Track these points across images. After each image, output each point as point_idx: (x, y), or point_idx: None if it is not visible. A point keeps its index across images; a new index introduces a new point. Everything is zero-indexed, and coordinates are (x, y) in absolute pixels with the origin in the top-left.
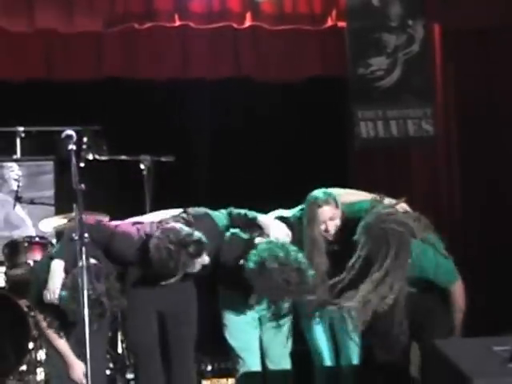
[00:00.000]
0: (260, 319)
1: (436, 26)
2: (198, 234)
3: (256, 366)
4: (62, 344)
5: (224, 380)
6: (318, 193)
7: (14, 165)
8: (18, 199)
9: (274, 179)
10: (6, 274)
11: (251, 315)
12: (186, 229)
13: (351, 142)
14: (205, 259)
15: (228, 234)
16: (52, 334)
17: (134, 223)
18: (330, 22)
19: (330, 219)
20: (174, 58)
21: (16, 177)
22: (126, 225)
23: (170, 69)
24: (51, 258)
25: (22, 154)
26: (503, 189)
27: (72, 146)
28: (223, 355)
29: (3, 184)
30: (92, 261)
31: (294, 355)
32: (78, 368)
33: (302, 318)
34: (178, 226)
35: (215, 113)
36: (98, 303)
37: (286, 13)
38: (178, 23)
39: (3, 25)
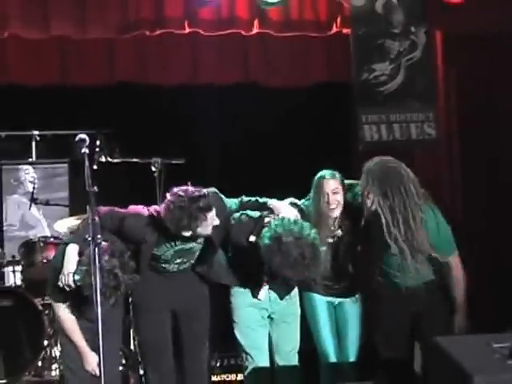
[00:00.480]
0: (270, 317)
1: (437, 32)
2: (204, 190)
3: (264, 363)
4: (77, 335)
5: (233, 376)
6: (326, 171)
7: (29, 167)
8: (33, 200)
9: (280, 181)
10: (22, 272)
11: (261, 313)
12: (193, 188)
13: (355, 145)
14: (215, 217)
15: (238, 214)
16: (68, 326)
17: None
18: (335, 29)
19: (332, 192)
20: (183, 63)
21: (32, 179)
22: (136, 207)
23: (179, 74)
24: (66, 245)
25: (38, 156)
26: (504, 191)
27: (85, 149)
28: (232, 351)
29: (19, 186)
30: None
31: (301, 353)
32: (92, 359)
33: (308, 315)
34: (186, 187)
35: (224, 117)
36: (112, 275)
37: (292, 20)
38: (187, 30)
39: (20, 32)
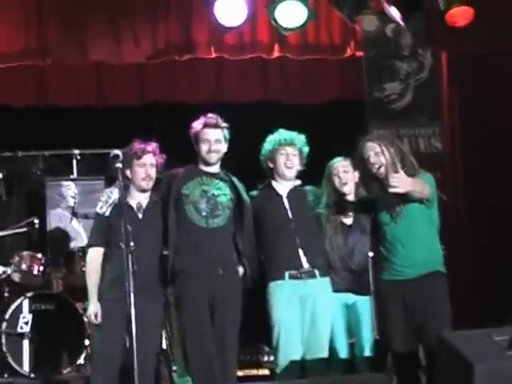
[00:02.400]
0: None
1: (443, 53)
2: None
3: (295, 344)
4: (93, 280)
5: (255, 371)
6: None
7: (70, 183)
8: (74, 214)
9: None
10: (63, 279)
11: (295, 310)
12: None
13: None
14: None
15: None
16: (91, 267)
17: None
18: (349, 52)
19: (343, 171)
20: (210, 86)
21: (73, 194)
22: None
23: (206, 95)
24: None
25: (78, 173)
26: (505, 199)
27: (118, 165)
28: (255, 347)
29: (62, 201)
30: None
31: None
32: (93, 308)
33: None
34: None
35: (247, 132)
36: None
37: (309, 44)
38: (213, 55)
39: (59, 58)
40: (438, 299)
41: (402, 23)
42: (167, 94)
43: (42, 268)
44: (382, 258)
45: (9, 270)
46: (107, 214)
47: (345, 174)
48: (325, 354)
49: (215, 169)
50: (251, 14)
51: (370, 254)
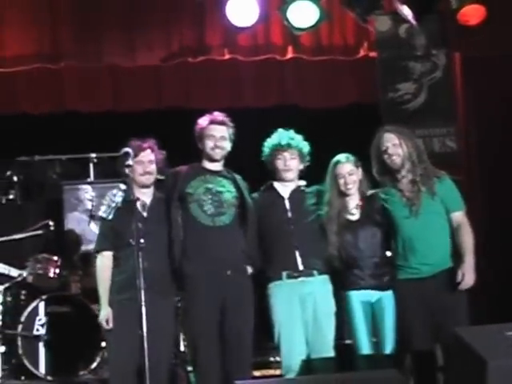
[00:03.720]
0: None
1: (457, 54)
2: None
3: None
4: (103, 287)
5: (272, 371)
6: (340, 155)
7: (88, 187)
8: (92, 217)
9: None
10: (80, 282)
11: (297, 309)
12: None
13: None
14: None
15: None
16: (101, 275)
17: None
18: (362, 53)
19: (348, 174)
20: (225, 87)
21: (90, 197)
22: None
23: (221, 98)
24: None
25: (95, 177)
26: None
27: (129, 162)
28: (271, 347)
29: (79, 204)
30: None
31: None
32: (104, 314)
33: (346, 312)
34: None
35: (263, 137)
36: None
37: (322, 45)
38: (227, 56)
39: (75, 63)
40: (455, 297)
41: (414, 23)
42: (183, 97)
43: (57, 270)
44: (398, 256)
45: (25, 273)
46: (111, 216)
47: (350, 177)
48: (330, 352)
49: (218, 166)
50: (264, 16)
51: (388, 253)
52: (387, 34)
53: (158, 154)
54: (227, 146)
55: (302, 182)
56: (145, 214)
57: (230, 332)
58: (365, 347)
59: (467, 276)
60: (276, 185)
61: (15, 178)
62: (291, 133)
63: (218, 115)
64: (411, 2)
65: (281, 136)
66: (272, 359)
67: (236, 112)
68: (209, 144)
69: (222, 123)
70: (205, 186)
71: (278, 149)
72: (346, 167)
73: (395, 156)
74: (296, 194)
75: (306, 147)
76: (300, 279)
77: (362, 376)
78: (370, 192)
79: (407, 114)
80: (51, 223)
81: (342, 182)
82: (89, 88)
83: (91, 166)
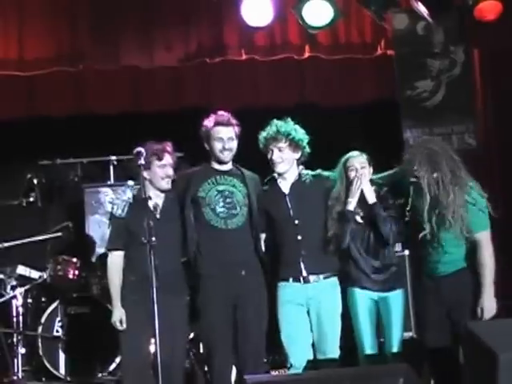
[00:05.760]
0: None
1: (475, 50)
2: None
3: (303, 360)
4: (115, 287)
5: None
6: (352, 152)
7: (108, 189)
8: None
9: None
10: (99, 284)
11: (299, 309)
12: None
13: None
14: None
15: None
16: (111, 273)
17: None
18: (380, 51)
19: (361, 167)
20: (243, 87)
21: (110, 200)
22: None
23: (240, 98)
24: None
25: (115, 179)
26: None
27: (141, 161)
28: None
29: (100, 207)
30: None
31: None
32: (117, 315)
33: (350, 309)
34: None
35: None
36: None
37: (340, 43)
38: (244, 57)
39: (94, 65)
40: (471, 295)
41: (430, 20)
42: (201, 97)
43: (77, 272)
44: (420, 254)
45: (45, 275)
46: (123, 214)
47: (362, 170)
48: (335, 354)
49: (228, 166)
50: (281, 16)
51: (406, 252)
52: (405, 32)
53: (174, 157)
54: (235, 146)
55: (300, 168)
56: (157, 215)
57: (244, 330)
58: (368, 346)
59: (486, 309)
60: (277, 179)
61: (36, 181)
62: (281, 122)
63: (224, 115)
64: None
65: (270, 127)
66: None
67: (254, 111)
68: (217, 146)
69: (228, 124)
70: (216, 188)
71: (268, 140)
72: (359, 160)
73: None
74: (297, 187)
75: (299, 135)
76: (305, 283)
77: (373, 370)
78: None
79: (426, 112)
80: (71, 225)
81: (352, 174)
82: (108, 90)
83: (111, 168)
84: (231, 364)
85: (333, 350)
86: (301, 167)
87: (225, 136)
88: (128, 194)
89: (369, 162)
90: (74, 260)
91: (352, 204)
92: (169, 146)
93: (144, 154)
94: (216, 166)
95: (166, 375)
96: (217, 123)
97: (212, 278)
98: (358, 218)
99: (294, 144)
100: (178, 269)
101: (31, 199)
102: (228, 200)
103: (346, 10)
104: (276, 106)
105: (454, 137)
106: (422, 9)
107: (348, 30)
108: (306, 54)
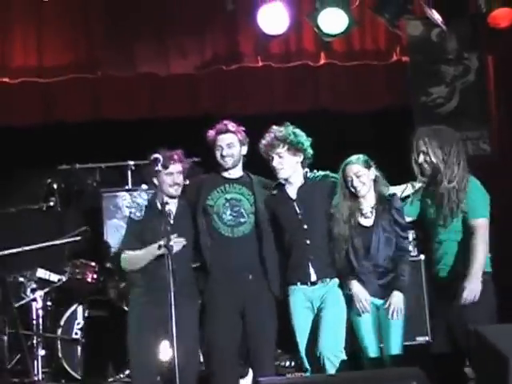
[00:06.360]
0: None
1: (489, 57)
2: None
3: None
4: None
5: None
6: (352, 156)
7: (126, 194)
8: None
9: None
10: (117, 287)
11: (306, 297)
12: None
13: None
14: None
15: None
16: (131, 258)
17: None
18: (394, 57)
19: (355, 175)
20: (259, 94)
21: (128, 204)
22: None
23: (255, 104)
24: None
25: (133, 184)
26: None
27: (158, 167)
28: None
29: (117, 211)
30: None
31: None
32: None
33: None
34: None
35: None
36: None
37: (355, 50)
38: (260, 64)
39: (111, 72)
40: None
41: (444, 27)
42: (218, 104)
43: (95, 276)
44: (431, 259)
45: (64, 278)
46: (138, 216)
47: (357, 179)
48: (340, 356)
49: (237, 173)
50: (296, 23)
51: (422, 256)
52: (419, 39)
53: (185, 164)
54: (237, 152)
55: (306, 171)
56: (171, 221)
57: (250, 336)
58: (372, 350)
59: (471, 292)
60: (284, 184)
61: (55, 186)
62: (279, 128)
63: (223, 124)
64: (441, 7)
65: (268, 133)
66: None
67: (270, 117)
68: (217, 154)
69: (227, 131)
70: (224, 196)
71: (267, 147)
72: (354, 168)
73: (425, 165)
74: (304, 191)
75: (297, 138)
76: (312, 286)
77: (385, 373)
78: (391, 192)
79: (440, 118)
80: (89, 229)
81: (349, 184)
82: (125, 96)
83: (129, 173)
84: (237, 366)
85: (339, 353)
86: (306, 170)
87: (223, 143)
88: (144, 196)
89: (367, 165)
90: (93, 264)
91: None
92: (177, 154)
93: (161, 161)
94: (225, 174)
95: (180, 380)
96: (216, 132)
97: (218, 283)
98: (365, 222)
99: (294, 148)
100: (189, 274)
101: (51, 204)
102: (235, 208)
103: (361, 17)
104: (291, 112)
105: (468, 143)
106: (436, 16)
107: (362, 37)
108: (321, 61)
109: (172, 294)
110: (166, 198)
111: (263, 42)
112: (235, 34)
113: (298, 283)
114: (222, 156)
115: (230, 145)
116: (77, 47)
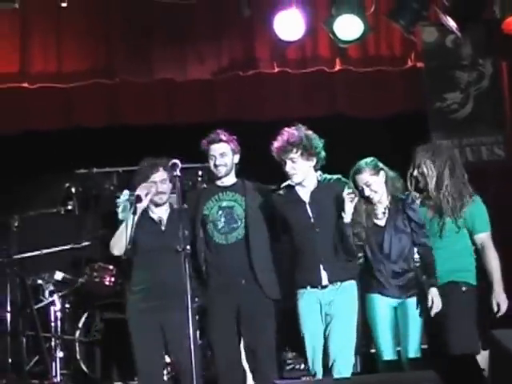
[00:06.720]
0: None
1: (503, 63)
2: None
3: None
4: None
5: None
6: (360, 162)
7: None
8: None
9: None
10: None
11: (316, 301)
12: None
13: None
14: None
15: None
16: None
17: None
18: (409, 63)
19: (365, 185)
20: (275, 100)
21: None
22: None
23: (272, 110)
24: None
25: None
26: None
27: (177, 172)
28: None
29: None
30: None
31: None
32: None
33: (368, 315)
34: None
35: None
36: None
37: (370, 56)
38: (276, 70)
39: (129, 77)
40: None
41: (458, 33)
42: (235, 109)
43: (113, 279)
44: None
45: (82, 281)
46: (122, 218)
47: (368, 188)
48: (351, 360)
49: (230, 180)
50: (312, 29)
51: None
52: (434, 45)
53: (170, 173)
54: (229, 161)
55: (318, 174)
56: (163, 228)
57: (246, 341)
58: (387, 353)
59: (502, 304)
60: (296, 186)
61: (74, 190)
62: (291, 131)
63: (217, 133)
64: (455, 13)
65: (281, 137)
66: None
67: (286, 123)
68: (210, 163)
69: (220, 141)
70: (218, 205)
71: (279, 151)
72: (363, 178)
73: (419, 177)
74: (317, 194)
75: (310, 142)
76: (323, 289)
77: (400, 377)
78: (406, 193)
79: (455, 123)
80: (107, 233)
81: (361, 193)
82: (142, 102)
83: None
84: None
85: (350, 356)
86: (319, 173)
87: (216, 153)
88: (125, 198)
89: (376, 171)
90: (111, 267)
91: (382, 220)
92: (161, 165)
93: (179, 166)
94: (219, 182)
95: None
96: (209, 142)
97: (215, 290)
98: (379, 222)
99: (307, 153)
100: (181, 280)
101: (69, 207)
102: (228, 216)
103: (376, 24)
104: (307, 117)
105: (483, 148)
106: (451, 23)
107: (378, 44)
108: (337, 67)
109: (189, 297)
110: (153, 207)
111: (279, 48)
112: (251, 40)
113: (308, 287)
114: (216, 165)
115: (223, 154)
116: (95, 53)
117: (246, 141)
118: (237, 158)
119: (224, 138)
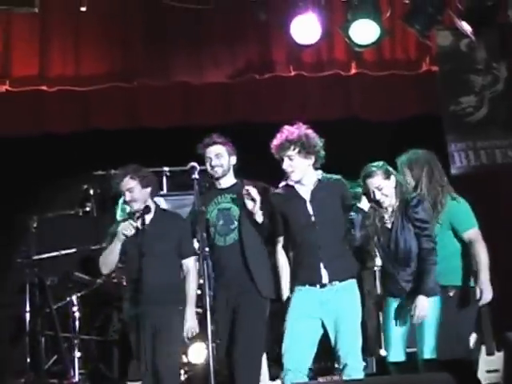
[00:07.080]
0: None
1: None
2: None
3: (301, 354)
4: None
5: (336, 377)
6: (370, 165)
7: (161, 199)
8: None
9: None
10: None
11: (315, 299)
12: None
13: (447, 170)
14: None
15: None
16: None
17: None
18: (424, 67)
19: (377, 189)
20: (291, 103)
21: None
22: None
23: (288, 113)
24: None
25: (168, 189)
26: None
27: (195, 175)
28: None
29: None
30: None
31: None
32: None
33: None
34: None
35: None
36: None
37: (385, 60)
38: (292, 73)
39: (147, 81)
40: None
41: (473, 37)
42: (251, 112)
43: None
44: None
45: (100, 281)
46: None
47: (379, 192)
48: (358, 361)
49: (229, 182)
50: (328, 33)
51: None
52: (448, 49)
53: (141, 181)
54: (226, 161)
55: (319, 173)
56: (146, 229)
57: (238, 339)
58: (397, 354)
59: (485, 292)
60: (295, 184)
61: (91, 192)
62: (290, 128)
63: (210, 137)
64: (470, 17)
65: (280, 134)
66: (336, 366)
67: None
68: (207, 165)
69: (214, 143)
70: (217, 207)
71: (277, 149)
72: (374, 182)
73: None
74: (318, 193)
75: (309, 140)
76: (322, 288)
77: (413, 379)
78: (413, 195)
79: (469, 127)
80: None
81: (372, 197)
82: (159, 104)
83: (164, 179)
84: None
85: (355, 357)
86: (319, 172)
87: (212, 154)
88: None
89: (387, 175)
90: None
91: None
92: (130, 173)
93: (198, 169)
94: (218, 185)
95: None
96: (204, 145)
97: (216, 291)
98: (387, 225)
99: (305, 150)
100: (170, 281)
101: (87, 209)
102: (226, 217)
103: (391, 28)
104: (322, 120)
105: (497, 151)
106: (466, 27)
107: (393, 48)
108: (353, 71)
109: (208, 299)
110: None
111: (295, 52)
112: (268, 44)
113: (307, 284)
114: (212, 166)
115: (219, 155)
116: (113, 57)
117: (261, 143)
118: (233, 159)
119: (219, 140)
